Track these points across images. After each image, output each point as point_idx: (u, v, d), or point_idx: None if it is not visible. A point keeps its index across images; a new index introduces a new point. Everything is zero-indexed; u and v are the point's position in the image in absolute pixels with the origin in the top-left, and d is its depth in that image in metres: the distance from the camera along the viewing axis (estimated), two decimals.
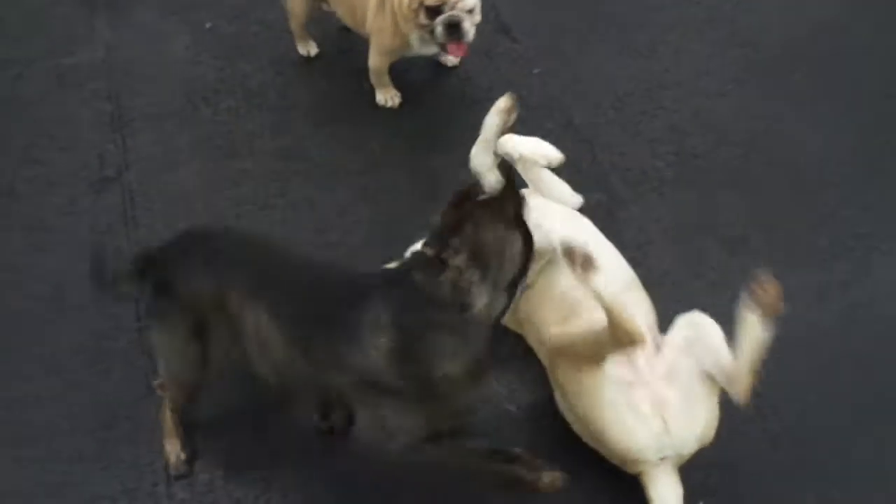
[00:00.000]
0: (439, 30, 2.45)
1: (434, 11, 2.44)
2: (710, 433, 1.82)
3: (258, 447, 2.00)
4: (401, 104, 2.80)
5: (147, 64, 2.88)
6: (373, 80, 2.77)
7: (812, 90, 2.91)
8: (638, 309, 1.93)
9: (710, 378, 1.80)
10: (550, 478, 1.83)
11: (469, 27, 2.47)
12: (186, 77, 2.84)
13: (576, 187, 2.59)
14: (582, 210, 2.50)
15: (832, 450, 2.06)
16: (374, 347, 1.56)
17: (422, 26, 2.49)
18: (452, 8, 2.44)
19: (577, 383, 1.84)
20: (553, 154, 2.09)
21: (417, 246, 2.17)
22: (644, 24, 3.11)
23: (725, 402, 2.10)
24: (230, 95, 2.80)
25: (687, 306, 2.30)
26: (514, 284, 1.65)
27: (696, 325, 1.87)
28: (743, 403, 1.77)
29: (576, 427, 1.92)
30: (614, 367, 1.82)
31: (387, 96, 2.79)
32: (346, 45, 2.95)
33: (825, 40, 3.06)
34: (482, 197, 1.66)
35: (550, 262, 1.97)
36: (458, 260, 1.58)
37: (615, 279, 1.96)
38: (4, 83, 2.80)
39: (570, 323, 1.90)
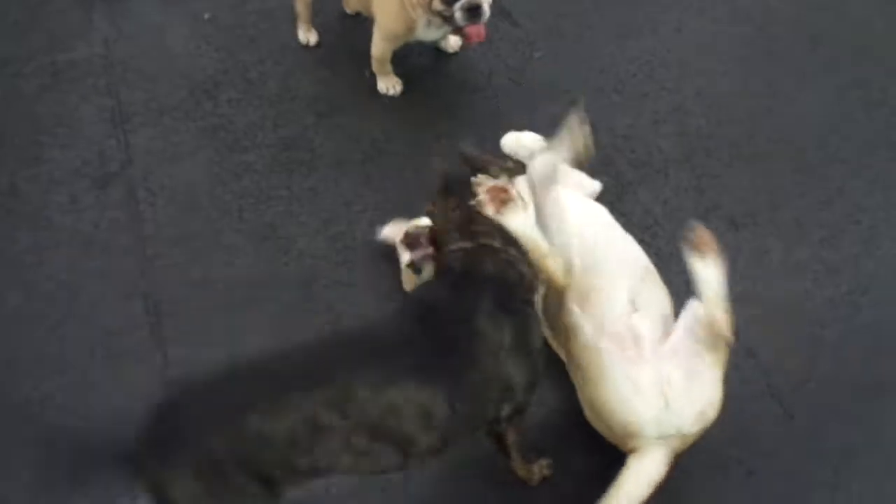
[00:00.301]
0: (459, 14, 2.43)
1: None
2: (711, 412, 1.82)
3: None
4: (402, 92, 2.79)
5: (146, 58, 2.85)
6: (375, 67, 2.75)
7: (815, 65, 2.91)
8: (651, 300, 1.94)
9: (709, 354, 1.81)
10: (539, 467, 1.89)
11: (487, 8, 2.45)
12: (186, 70, 2.82)
13: (581, 171, 2.60)
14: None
15: (846, 421, 2.07)
16: (501, 350, 1.54)
17: (437, 12, 2.46)
18: None
19: (578, 356, 1.86)
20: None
21: (422, 221, 2.18)
22: (644, 4, 3.09)
23: (740, 378, 2.13)
24: (231, 87, 2.78)
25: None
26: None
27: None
28: (729, 342, 1.80)
29: (586, 408, 1.93)
30: (617, 344, 1.84)
31: (388, 84, 2.77)
32: (346, 33, 2.93)
33: (826, 16, 3.05)
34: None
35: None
36: (498, 243, 1.62)
37: (629, 270, 1.98)
38: (3, 80, 2.77)
39: (585, 307, 1.91)
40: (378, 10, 2.60)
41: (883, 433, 2.06)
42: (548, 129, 2.70)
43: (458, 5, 2.42)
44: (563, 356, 1.99)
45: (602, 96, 2.83)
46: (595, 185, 2.33)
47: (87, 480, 1.48)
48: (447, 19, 2.47)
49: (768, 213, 2.51)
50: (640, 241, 2.40)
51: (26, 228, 2.39)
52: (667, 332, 1.90)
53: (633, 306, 1.91)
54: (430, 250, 2.05)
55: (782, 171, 2.62)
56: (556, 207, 2.01)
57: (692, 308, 1.85)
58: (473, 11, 2.42)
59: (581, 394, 1.91)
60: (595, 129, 2.72)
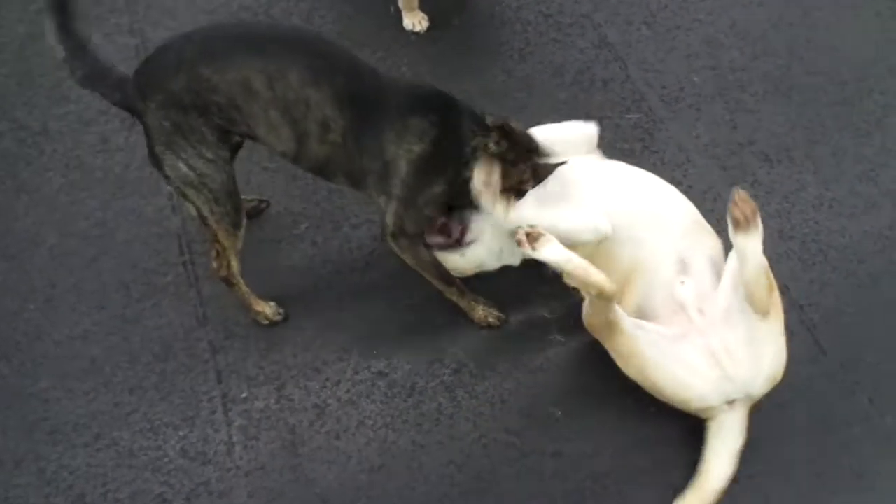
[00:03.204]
0: None
1: None
2: (778, 371, 1.78)
3: (311, 376, 2.04)
4: (428, 27, 2.73)
5: None
6: (400, 3, 2.69)
7: None
8: (698, 253, 1.87)
9: (763, 317, 1.74)
10: (485, 313, 2.05)
11: None
12: (209, 6, 2.77)
13: (611, 107, 2.56)
14: (617, 132, 2.48)
15: (881, 355, 2.07)
16: (403, 145, 1.79)
17: None
18: None
19: (620, 350, 1.83)
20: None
21: None
22: None
23: None
24: None
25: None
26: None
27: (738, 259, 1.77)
28: (763, 315, 1.74)
29: (649, 390, 1.87)
30: (661, 323, 1.81)
31: (414, 20, 2.71)
32: None
33: None
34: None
35: (607, 237, 1.92)
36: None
37: (673, 230, 1.90)
38: (26, 18, 2.75)
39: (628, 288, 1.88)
40: None
41: None
42: (577, 63, 2.67)
43: None
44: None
45: (632, 29, 2.75)
46: (590, 127, 2.13)
47: None
48: None
49: (805, 148, 2.46)
50: (673, 179, 2.38)
51: (59, 169, 2.40)
52: (717, 278, 1.84)
53: (683, 266, 1.85)
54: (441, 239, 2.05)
55: (819, 105, 2.56)
56: (576, 189, 1.96)
57: (735, 269, 1.75)
58: None
59: (638, 380, 1.86)
60: (625, 65, 2.69)
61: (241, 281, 2.00)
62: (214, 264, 1.96)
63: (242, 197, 2.06)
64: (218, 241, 1.90)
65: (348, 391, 2.00)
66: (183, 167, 1.79)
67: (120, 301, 2.14)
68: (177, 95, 1.73)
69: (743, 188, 2.33)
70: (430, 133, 1.78)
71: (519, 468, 1.89)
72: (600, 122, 2.48)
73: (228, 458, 1.91)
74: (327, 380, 2.02)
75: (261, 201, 2.29)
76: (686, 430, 1.88)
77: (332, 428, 1.95)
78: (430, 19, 2.73)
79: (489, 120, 1.85)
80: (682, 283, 1.85)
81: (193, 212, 1.87)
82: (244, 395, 1.99)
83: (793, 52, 2.68)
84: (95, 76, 1.78)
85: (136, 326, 2.09)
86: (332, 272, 2.19)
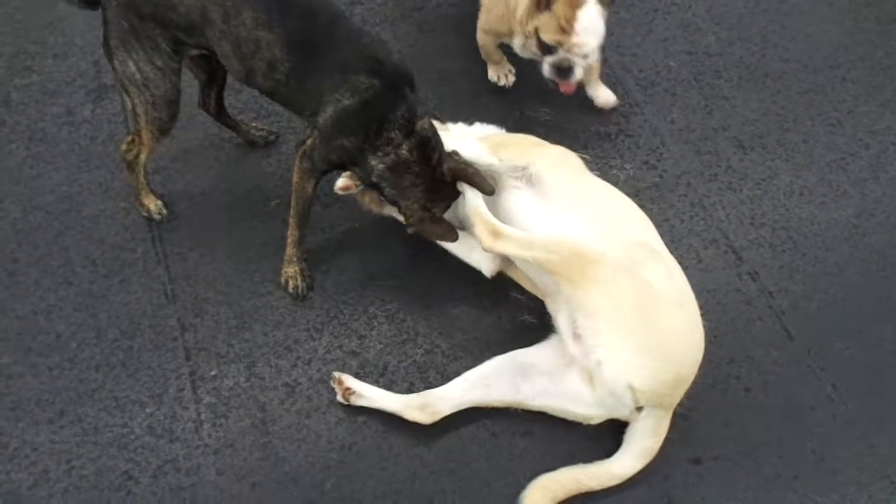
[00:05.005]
0: (547, 67, 2.25)
1: (547, 48, 2.21)
2: (652, 365, 1.76)
3: (282, 354, 2.02)
4: (404, 6, 2.68)
5: None
6: (483, 55, 2.54)
7: None
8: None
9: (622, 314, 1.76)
10: (294, 276, 2.08)
11: (580, 71, 2.24)
12: None
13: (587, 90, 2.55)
14: (594, 115, 2.48)
15: (847, 341, 2.10)
16: (335, 93, 1.85)
17: (532, 50, 2.29)
18: (569, 50, 2.18)
19: None
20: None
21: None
22: None
23: (742, 299, 2.15)
24: None
25: (701, 209, 2.32)
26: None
27: None
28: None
29: None
30: (545, 359, 1.89)
31: (500, 73, 2.55)
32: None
33: None
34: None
35: None
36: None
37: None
38: None
39: None
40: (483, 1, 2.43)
41: (882, 354, 2.09)
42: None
43: (549, 59, 2.23)
44: None
45: (610, 13, 2.73)
46: (484, 129, 2.16)
47: None
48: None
49: (777, 135, 2.48)
50: (647, 163, 2.41)
51: (22, 141, 2.33)
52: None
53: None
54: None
55: (792, 92, 2.58)
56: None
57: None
58: (564, 71, 2.24)
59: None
60: (602, 48, 2.68)
61: (143, 171, 2.09)
62: (124, 147, 2.05)
63: (254, 124, 2.35)
64: (140, 136, 2.00)
65: (319, 370, 1.99)
66: (132, 66, 1.89)
67: (86, 276, 2.10)
68: (136, 4, 1.83)
69: (716, 174, 2.41)
70: (363, 94, 1.83)
71: (489, 448, 1.90)
72: (578, 105, 2.51)
73: (196, 436, 1.89)
74: (298, 358, 2.01)
75: (270, 132, 2.36)
76: None
77: (302, 406, 1.94)
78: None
79: (419, 124, 1.88)
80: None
81: (129, 106, 1.97)
82: (213, 372, 1.97)
83: (767, 38, 2.70)
84: None
85: (103, 302, 2.06)
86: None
